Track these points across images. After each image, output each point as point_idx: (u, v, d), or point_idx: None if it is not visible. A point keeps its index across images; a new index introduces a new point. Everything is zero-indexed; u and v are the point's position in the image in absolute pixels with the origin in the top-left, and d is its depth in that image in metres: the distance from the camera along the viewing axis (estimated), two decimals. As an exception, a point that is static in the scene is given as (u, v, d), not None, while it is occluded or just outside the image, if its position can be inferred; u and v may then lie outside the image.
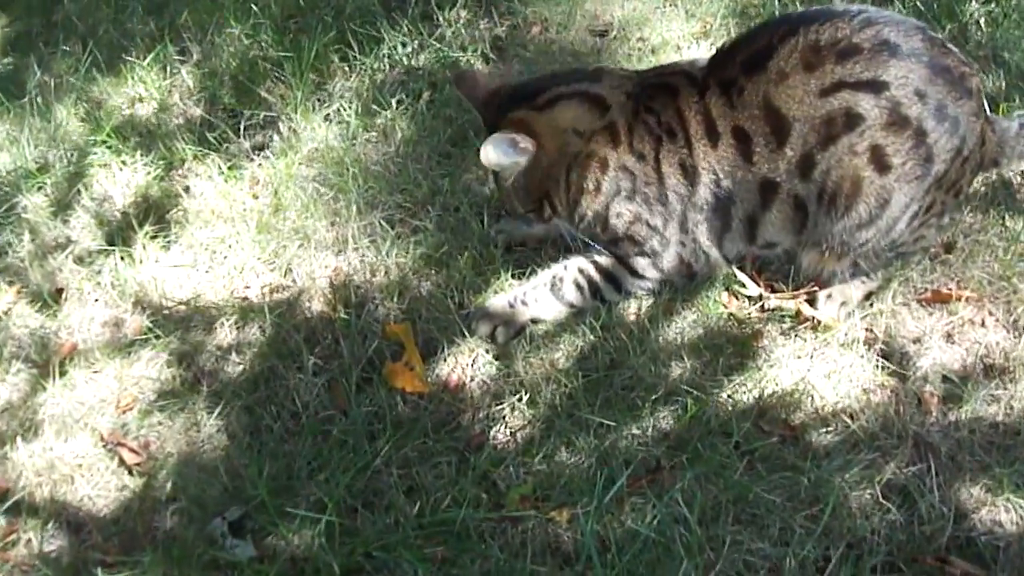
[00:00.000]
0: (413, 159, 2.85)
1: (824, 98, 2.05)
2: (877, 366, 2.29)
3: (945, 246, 2.49)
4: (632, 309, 2.44)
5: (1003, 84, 2.83)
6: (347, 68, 3.17)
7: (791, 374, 2.27)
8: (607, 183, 2.27)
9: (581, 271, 2.40)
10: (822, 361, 2.30)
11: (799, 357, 2.31)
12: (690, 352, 2.33)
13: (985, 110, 2.24)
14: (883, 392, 2.24)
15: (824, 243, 2.23)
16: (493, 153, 2.19)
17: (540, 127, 2.24)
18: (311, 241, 2.67)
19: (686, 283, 2.41)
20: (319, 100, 3.10)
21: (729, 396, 2.24)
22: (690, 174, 2.21)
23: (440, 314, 2.45)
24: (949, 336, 2.35)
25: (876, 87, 2.02)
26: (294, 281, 2.61)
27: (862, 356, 2.30)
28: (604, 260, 2.40)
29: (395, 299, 2.50)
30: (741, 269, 2.45)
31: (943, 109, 2.05)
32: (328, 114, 3.01)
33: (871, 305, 2.40)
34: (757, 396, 2.23)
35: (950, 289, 2.41)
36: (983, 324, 2.36)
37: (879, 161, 2.07)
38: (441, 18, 3.27)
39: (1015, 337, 2.32)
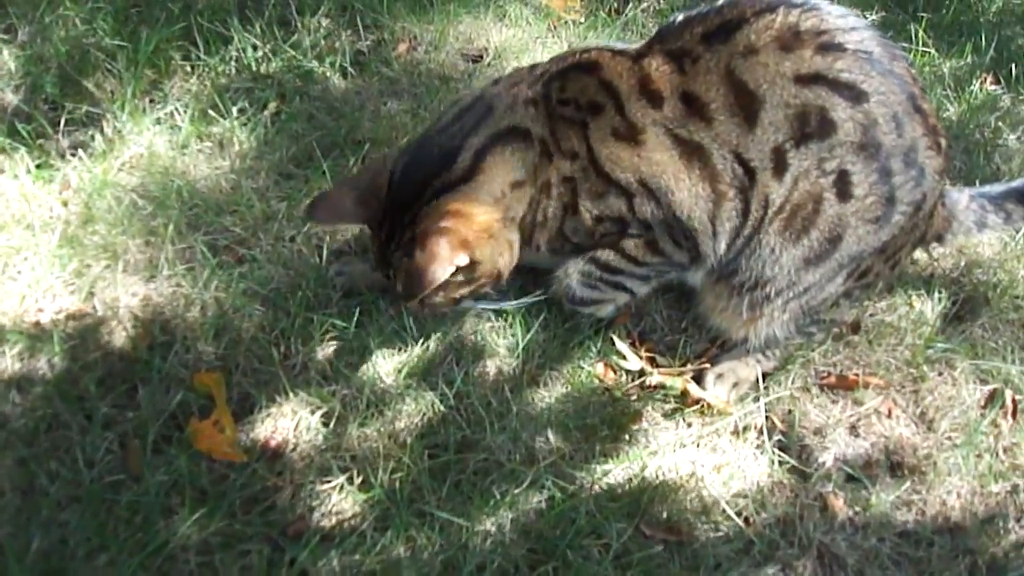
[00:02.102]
0: (249, 176, 2.44)
1: (800, 86, 1.77)
2: (774, 460, 1.99)
3: (851, 326, 2.22)
4: (492, 373, 2.07)
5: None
6: (189, 68, 2.74)
7: (676, 465, 1.97)
8: (552, 206, 1.93)
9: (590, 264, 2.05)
10: (711, 451, 2.01)
11: (684, 445, 2.00)
12: (558, 432, 1.98)
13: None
14: (782, 491, 1.96)
15: (759, 283, 1.93)
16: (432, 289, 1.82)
17: (479, 208, 1.86)
18: (119, 262, 2.23)
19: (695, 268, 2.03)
20: (152, 101, 2.67)
21: (603, 489, 1.90)
22: (628, 136, 1.85)
23: (261, 364, 2.05)
24: (854, 428, 2.12)
25: (856, 95, 1.77)
26: (95, 308, 2.16)
27: (758, 447, 2.01)
28: (601, 252, 2.03)
29: (209, 341, 2.08)
30: (620, 338, 2.12)
31: (914, 152, 1.83)
32: (160, 117, 2.58)
33: (767, 389, 2.10)
34: (636, 490, 1.91)
35: (855, 375, 2.16)
36: (889, 415, 2.14)
37: (842, 185, 1.81)
38: (300, 24, 2.88)
39: (923, 431, 2.11)
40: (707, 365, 2.13)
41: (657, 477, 1.94)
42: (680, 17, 1.91)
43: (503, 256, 1.92)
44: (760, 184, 1.82)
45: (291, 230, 2.31)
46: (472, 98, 1.97)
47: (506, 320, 2.16)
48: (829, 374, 2.17)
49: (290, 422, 1.98)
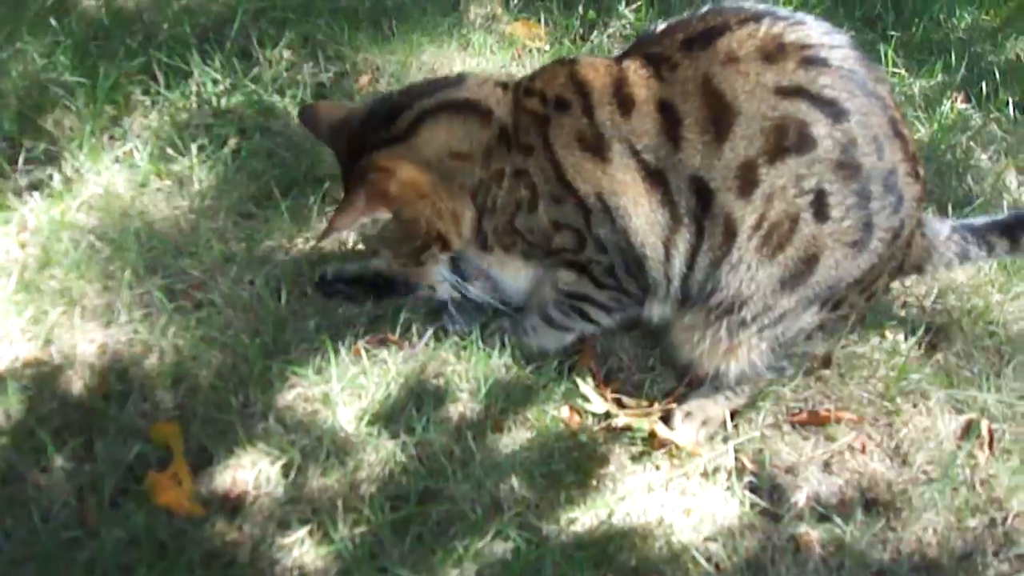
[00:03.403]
0: (208, 216, 2.39)
1: (779, 98, 1.73)
2: (745, 501, 1.95)
3: (822, 360, 2.19)
4: (454, 420, 2.02)
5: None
6: (148, 103, 2.69)
7: (644, 510, 1.92)
8: (503, 196, 1.92)
9: (555, 291, 2.07)
10: (680, 494, 1.97)
11: (653, 489, 1.96)
12: (523, 479, 1.93)
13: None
14: (754, 533, 1.91)
15: (735, 305, 1.87)
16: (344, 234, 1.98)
17: (405, 167, 1.89)
18: (77, 307, 2.18)
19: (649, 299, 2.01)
20: (112, 137, 2.62)
21: (570, 538, 1.85)
22: (594, 147, 1.82)
23: (220, 413, 1.99)
24: (827, 465, 2.08)
25: (837, 112, 1.73)
26: (51, 355, 2.11)
27: (728, 489, 1.97)
28: (563, 274, 2.03)
29: (167, 389, 2.04)
30: (584, 380, 2.08)
31: (894, 177, 1.79)
32: (119, 155, 2.53)
33: (736, 428, 2.06)
34: (604, 537, 1.86)
35: (827, 410, 2.13)
36: (863, 450, 2.10)
37: (819, 204, 1.77)
38: (261, 56, 2.83)
39: (898, 465, 2.08)
40: (674, 405, 2.08)
41: (625, 523, 1.89)
42: (662, 24, 1.89)
43: (442, 221, 1.95)
44: (718, 204, 1.78)
45: (250, 273, 2.26)
46: (458, 73, 2.06)
47: (468, 361, 2.11)
48: (800, 411, 2.13)
49: (249, 473, 1.92)
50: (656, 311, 2.01)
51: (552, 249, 1.97)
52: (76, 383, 2.05)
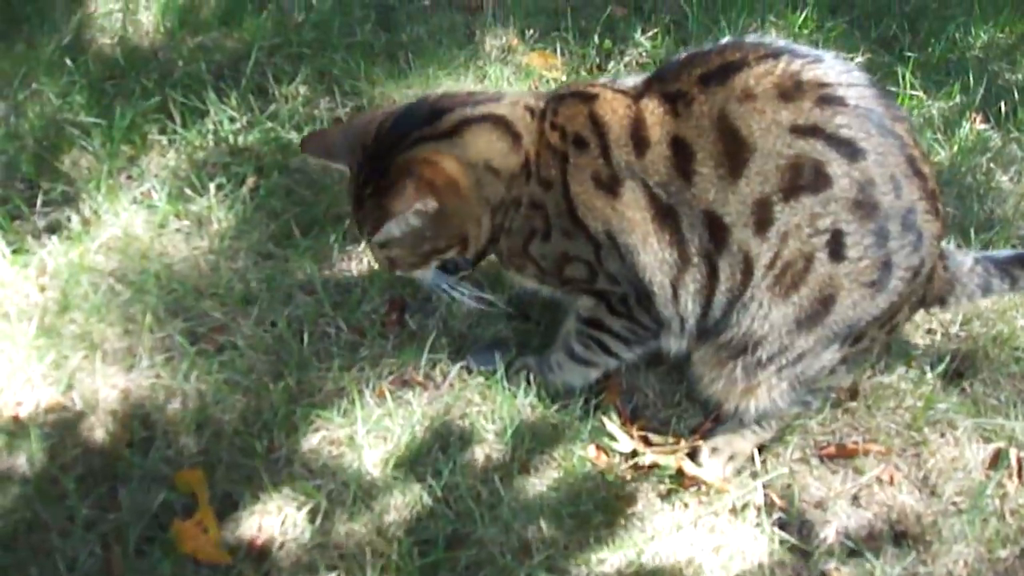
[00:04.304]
0: (228, 257, 2.39)
1: (795, 137, 1.71)
2: (774, 538, 1.92)
3: (849, 391, 2.16)
4: (480, 462, 2.01)
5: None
6: (165, 142, 2.70)
7: (674, 549, 1.89)
8: (518, 222, 1.94)
9: (577, 320, 2.08)
10: (709, 532, 1.94)
11: (681, 527, 1.93)
12: (551, 521, 1.91)
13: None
14: (783, 571, 1.89)
15: (749, 345, 1.85)
16: (395, 228, 1.89)
17: (451, 162, 1.88)
18: (98, 352, 2.17)
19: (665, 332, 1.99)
20: (129, 177, 2.62)
21: (598, 578, 1.83)
22: (607, 186, 1.82)
23: (244, 458, 1.98)
24: (855, 499, 2.05)
25: (853, 151, 1.71)
26: (73, 401, 2.10)
27: (757, 525, 1.95)
28: (583, 300, 2.04)
29: (191, 435, 2.02)
30: (609, 418, 2.06)
31: (912, 215, 1.76)
32: (137, 196, 2.53)
33: (764, 463, 2.04)
34: (632, 577, 1.83)
35: (855, 443, 2.10)
36: (892, 482, 2.07)
37: (835, 244, 1.75)
38: (277, 92, 2.83)
39: (927, 497, 2.05)
40: (700, 441, 2.06)
41: (655, 563, 1.87)
42: (682, 55, 1.87)
43: (470, 225, 1.95)
44: (735, 242, 1.76)
45: (272, 314, 2.25)
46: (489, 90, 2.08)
47: (493, 401, 2.10)
48: (828, 444, 2.10)
49: (275, 519, 1.91)
50: (673, 345, 1.99)
51: (565, 278, 1.97)
52: (99, 430, 2.04)
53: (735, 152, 1.73)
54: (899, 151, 1.74)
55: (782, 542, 1.93)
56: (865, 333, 1.86)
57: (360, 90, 2.89)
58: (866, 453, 2.09)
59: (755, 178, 1.72)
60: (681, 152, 1.77)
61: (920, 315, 2.31)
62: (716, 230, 1.77)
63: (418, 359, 2.16)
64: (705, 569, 1.86)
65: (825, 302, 1.78)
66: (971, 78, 3.10)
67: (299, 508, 1.92)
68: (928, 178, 1.79)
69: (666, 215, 1.79)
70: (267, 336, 2.21)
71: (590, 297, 2.00)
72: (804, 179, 1.71)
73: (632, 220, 1.80)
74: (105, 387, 2.12)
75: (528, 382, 2.11)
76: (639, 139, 1.80)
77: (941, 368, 2.23)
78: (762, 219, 1.74)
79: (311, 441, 2.03)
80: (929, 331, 2.35)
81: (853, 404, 2.17)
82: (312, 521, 1.90)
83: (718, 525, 1.94)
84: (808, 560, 1.91)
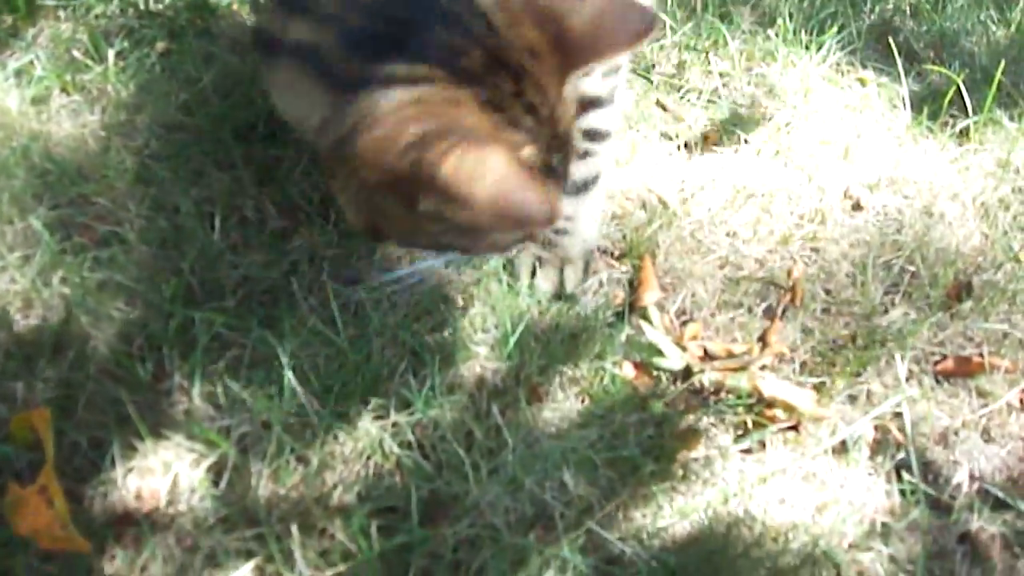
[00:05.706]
0: (123, 133, 1.72)
1: None
2: (892, 490, 1.34)
3: (954, 291, 1.60)
4: (470, 387, 1.38)
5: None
6: (61, 13, 2.01)
7: (762, 511, 1.29)
8: None
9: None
10: (805, 482, 1.35)
11: (765, 479, 1.32)
12: (579, 474, 1.29)
13: None
14: (918, 537, 1.29)
15: None
16: None
17: None
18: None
19: None
20: (11, 52, 1.93)
21: (654, 557, 1.22)
22: None
23: (118, 391, 1.33)
24: (987, 432, 1.48)
25: None
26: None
27: (872, 472, 1.35)
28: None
29: (45, 359, 1.37)
30: (651, 322, 1.46)
31: None
32: (19, 68, 1.84)
33: (865, 383, 1.45)
34: (703, 556, 1.23)
35: (980, 356, 1.52)
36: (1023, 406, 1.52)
37: None
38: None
39: None
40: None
41: (732, 531, 1.27)
42: None
43: None
44: None
45: (173, 197, 1.58)
46: None
47: (484, 301, 1.47)
48: (945, 357, 1.53)
49: (161, 481, 1.27)
50: None
51: None
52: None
53: None
54: None
55: (911, 492, 1.35)
56: None
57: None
58: (992, 369, 1.52)
59: None
60: None
61: None
62: None
63: (375, 249, 1.52)
64: (811, 539, 1.27)
65: None
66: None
67: (196, 464, 1.27)
68: None
69: None
70: (165, 225, 1.54)
71: None
72: None
73: None
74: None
75: (533, 271, 1.50)
76: None
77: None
78: None
79: (217, 364, 1.37)
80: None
81: (961, 306, 1.60)
82: (216, 483, 1.27)
83: (819, 472, 1.35)
84: (948, 517, 1.33)
